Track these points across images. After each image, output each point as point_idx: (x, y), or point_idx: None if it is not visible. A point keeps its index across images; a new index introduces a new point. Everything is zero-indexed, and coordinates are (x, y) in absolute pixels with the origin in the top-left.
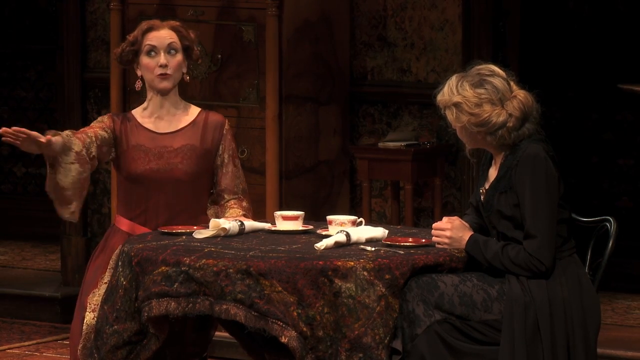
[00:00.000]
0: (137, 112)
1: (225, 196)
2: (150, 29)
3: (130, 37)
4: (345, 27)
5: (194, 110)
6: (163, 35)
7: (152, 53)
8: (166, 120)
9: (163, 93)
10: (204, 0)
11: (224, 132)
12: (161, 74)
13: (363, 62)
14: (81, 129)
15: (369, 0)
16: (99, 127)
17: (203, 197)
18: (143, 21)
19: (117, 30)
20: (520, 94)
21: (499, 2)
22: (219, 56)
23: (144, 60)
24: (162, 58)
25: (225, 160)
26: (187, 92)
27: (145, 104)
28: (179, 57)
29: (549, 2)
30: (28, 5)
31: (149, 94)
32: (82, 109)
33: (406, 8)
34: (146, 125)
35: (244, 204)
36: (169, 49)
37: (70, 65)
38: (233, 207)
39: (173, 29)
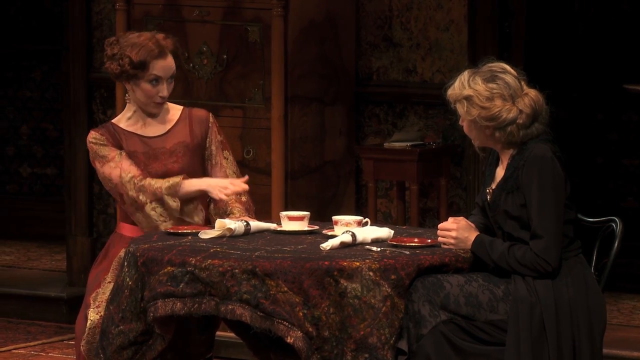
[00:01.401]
0: (120, 121)
1: None
2: (159, 55)
3: (133, 57)
4: (350, 27)
5: (177, 109)
6: (169, 65)
7: (155, 82)
8: (153, 125)
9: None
10: (209, 0)
11: (209, 124)
12: (159, 102)
13: (368, 63)
14: (134, 171)
15: (375, 0)
16: (116, 150)
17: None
18: (149, 35)
19: (123, 31)
20: (532, 92)
21: (504, 3)
22: (225, 56)
23: (146, 86)
24: (164, 89)
25: (214, 152)
26: (192, 93)
27: (129, 114)
28: (173, 83)
29: (555, 2)
30: (33, 6)
31: (134, 107)
32: (88, 109)
33: (412, 8)
34: (135, 131)
35: (243, 198)
36: (170, 78)
37: (75, 66)
38: (234, 206)
39: (173, 53)
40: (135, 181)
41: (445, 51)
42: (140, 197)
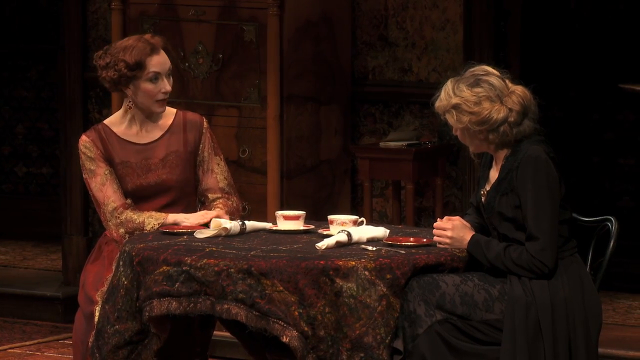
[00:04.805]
0: (114, 124)
1: (209, 196)
2: (152, 52)
3: (128, 59)
4: (346, 26)
5: (170, 112)
6: (164, 60)
7: (155, 79)
8: (148, 130)
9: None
10: (205, 0)
11: (203, 130)
12: (162, 99)
13: (364, 62)
14: (117, 200)
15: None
16: (104, 167)
17: (192, 197)
18: (136, 37)
19: (118, 30)
20: (518, 89)
21: (500, 2)
22: (220, 56)
23: (147, 86)
24: (166, 85)
25: (206, 158)
26: (188, 92)
27: (125, 119)
28: (171, 78)
29: (550, 1)
30: (29, 5)
31: (133, 111)
32: (84, 108)
33: (407, 8)
34: (128, 138)
35: (230, 202)
36: (168, 73)
37: (71, 65)
38: (218, 207)
39: (165, 50)
40: (117, 214)
41: (440, 50)
42: (120, 230)
